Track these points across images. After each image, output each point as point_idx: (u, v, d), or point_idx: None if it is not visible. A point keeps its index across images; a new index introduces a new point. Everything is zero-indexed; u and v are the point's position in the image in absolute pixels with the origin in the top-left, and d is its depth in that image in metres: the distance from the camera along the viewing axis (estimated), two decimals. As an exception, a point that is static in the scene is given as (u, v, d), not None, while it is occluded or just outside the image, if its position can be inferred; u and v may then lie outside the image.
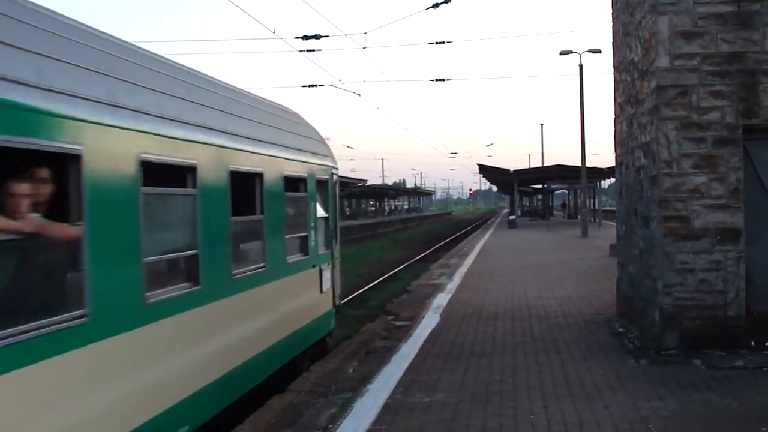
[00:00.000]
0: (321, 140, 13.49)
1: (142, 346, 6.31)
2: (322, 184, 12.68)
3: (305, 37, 27.26)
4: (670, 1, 10.58)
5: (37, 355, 4.83)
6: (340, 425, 7.74)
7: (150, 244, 6.42)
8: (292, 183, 10.79)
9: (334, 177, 13.74)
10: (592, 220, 55.28)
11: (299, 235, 11.23)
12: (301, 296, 11.25)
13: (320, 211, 12.38)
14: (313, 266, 11.86)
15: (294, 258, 10.85)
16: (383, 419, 7.86)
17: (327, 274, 12.70)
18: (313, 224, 11.81)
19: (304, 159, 11.46)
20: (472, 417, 7.84)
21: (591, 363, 10.11)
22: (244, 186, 9.01)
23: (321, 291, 12.35)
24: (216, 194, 7.94)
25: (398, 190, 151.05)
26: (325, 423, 7.89)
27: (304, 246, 11.41)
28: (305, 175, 11.42)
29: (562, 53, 42.88)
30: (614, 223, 20.62)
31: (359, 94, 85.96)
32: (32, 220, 5.10)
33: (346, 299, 22.54)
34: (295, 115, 12.94)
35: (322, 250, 12.42)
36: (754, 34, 10.47)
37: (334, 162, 13.99)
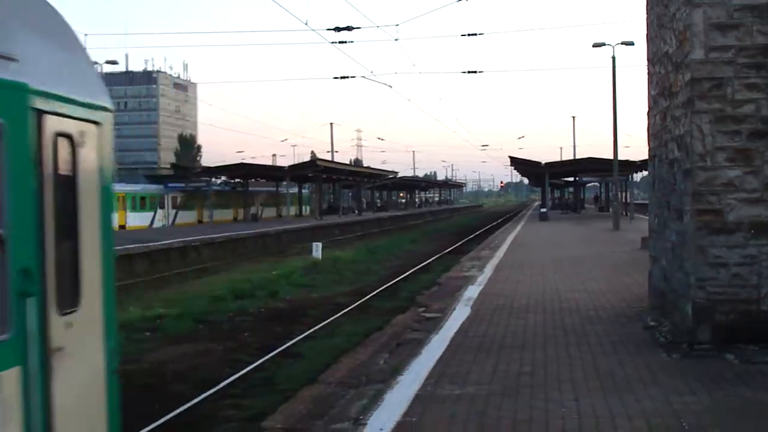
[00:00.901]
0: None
1: None
2: None
3: (337, 29, 27.43)
4: (705, -8, 10.48)
5: None
6: (371, 417, 7.80)
7: None
8: None
9: (59, 120, 4.61)
10: (623, 213, 54.92)
11: None
12: None
13: None
14: None
15: None
16: (414, 411, 7.90)
17: None
18: None
19: None
20: (502, 409, 7.86)
21: (623, 356, 10.08)
22: None
23: None
24: None
25: (429, 182, 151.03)
26: (355, 414, 7.96)
27: None
28: None
29: (595, 45, 42.57)
30: (646, 216, 20.49)
31: (391, 86, 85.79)
32: None
33: (375, 292, 22.48)
34: None
35: None
36: (790, 26, 10.32)
37: (97, 90, 5.31)
